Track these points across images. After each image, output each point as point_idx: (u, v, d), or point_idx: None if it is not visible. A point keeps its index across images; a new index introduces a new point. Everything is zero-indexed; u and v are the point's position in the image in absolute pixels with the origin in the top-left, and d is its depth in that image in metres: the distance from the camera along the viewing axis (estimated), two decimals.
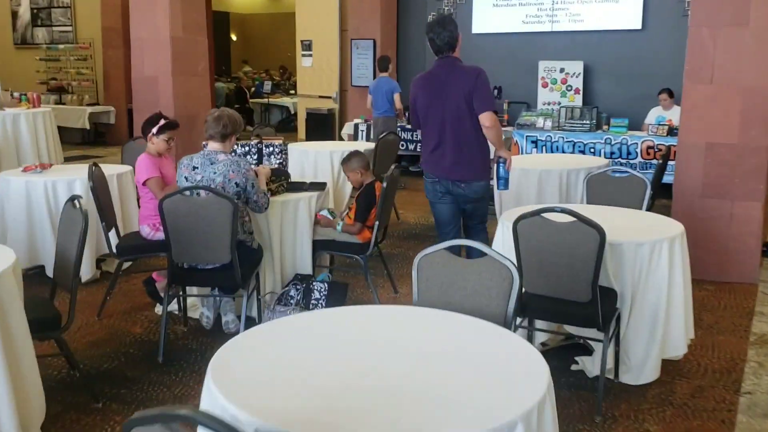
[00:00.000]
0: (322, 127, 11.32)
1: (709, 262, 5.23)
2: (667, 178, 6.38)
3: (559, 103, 9.82)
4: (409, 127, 9.86)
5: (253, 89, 17.20)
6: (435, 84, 4.17)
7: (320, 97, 11.70)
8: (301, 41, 11.91)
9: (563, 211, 3.10)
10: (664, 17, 9.36)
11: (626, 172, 4.56)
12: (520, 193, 5.69)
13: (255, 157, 4.52)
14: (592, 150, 8.81)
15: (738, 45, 4.99)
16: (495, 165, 4.32)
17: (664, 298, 3.43)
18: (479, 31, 10.61)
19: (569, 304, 3.21)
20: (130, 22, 7.39)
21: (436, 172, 4.18)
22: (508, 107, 9.85)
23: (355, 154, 4.54)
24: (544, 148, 9.07)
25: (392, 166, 4.57)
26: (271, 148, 4.51)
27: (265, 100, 16.32)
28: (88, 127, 12.90)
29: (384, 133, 7.44)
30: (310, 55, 11.84)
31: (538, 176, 5.61)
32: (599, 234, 3.04)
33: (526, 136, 9.15)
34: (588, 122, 9.05)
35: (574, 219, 3.07)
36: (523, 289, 3.32)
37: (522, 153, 9.16)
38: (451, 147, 4.08)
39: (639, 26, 9.53)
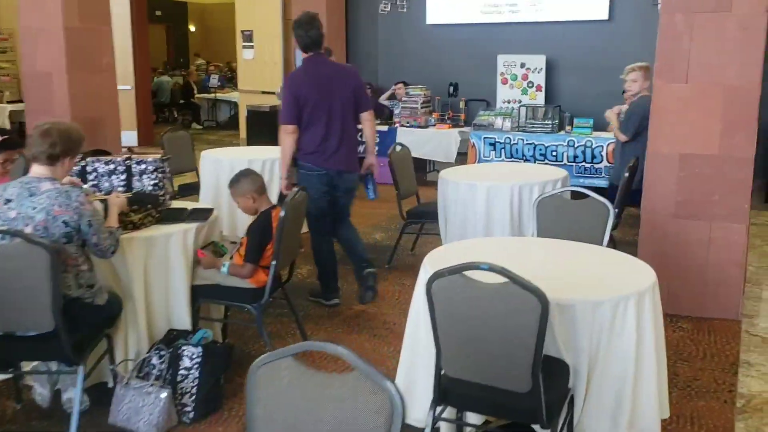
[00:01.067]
0: (265, 126, 10.35)
1: (684, 294, 4.42)
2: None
3: (520, 101, 8.98)
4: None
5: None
6: (321, 80, 4.31)
7: (263, 92, 10.73)
8: (242, 32, 10.92)
9: (492, 269, 2.22)
10: (632, 7, 8.56)
11: (585, 194, 3.71)
12: (466, 215, 4.82)
13: (123, 177, 3.58)
14: (554, 154, 7.99)
15: (719, 35, 4.17)
16: (367, 173, 4.70)
17: (630, 372, 2.58)
18: (434, 21, 9.72)
19: (503, 394, 2.34)
20: (20, 8, 6.37)
21: (325, 165, 4.34)
22: (465, 106, 8.98)
23: (245, 174, 3.61)
24: (503, 151, 8.23)
25: (294, 190, 3.64)
26: (144, 166, 3.57)
27: (213, 96, 15.27)
28: (8, 126, 11.76)
29: None
30: (252, 47, 10.86)
31: (486, 193, 4.74)
32: (540, 302, 2.18)
33: (484, 137, 8.30)
34: (550, 123, 8.23)
35: (507, 280, 2.21)
36: (442, 371, 2.46)
37: (479, 156, 8.31)
38: (338, 140, 4.31)
39: (605, 16, 8.72)
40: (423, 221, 5.46)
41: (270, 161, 5.76)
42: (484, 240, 3.51)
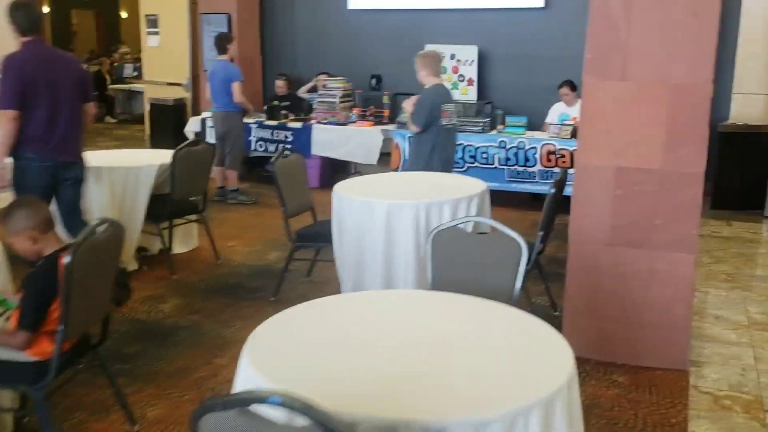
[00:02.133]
0: (170, 121, 9.28)
1: (620, 339, 3.63)
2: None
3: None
4: (270, 123, 7.99)
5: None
6: (48, 64, 4.07)
7: (169, 84, 9.65)
8: (146, 16, 9.79)
9: (286, 404, 1.32)
10: None
11: (491, 227, 2.86)
12: (363, 240, 3.93)
13: None
14: (484, 156, 7.17)
15: (664, 23, 3.36)
16: None
17: None
18: (357, 6, 8.80)
19: None
20: None
21: (51, 156, 4.07)
22: (390, 100, 8.07)
23: (20, 205, 2.62)
24: None
25: (82, 233, 2.59)
26: None
27: (128, 87, 14.02)
28: None
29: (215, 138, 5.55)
30: (157, 33, 9.74)
31: (386, 214, 3.85)
32: None
33: (408, 137, 7.43)
34: (480, 121, 7.40)
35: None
36: None
37: (404, 158, 7.43)
38: (65, 128, 4.10)
39: (542, 3, 7.94)
40: (317, 245, 4.55)
41: (136, 171, 4.79)
42: (336, 299, 2.49)
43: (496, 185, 7.15)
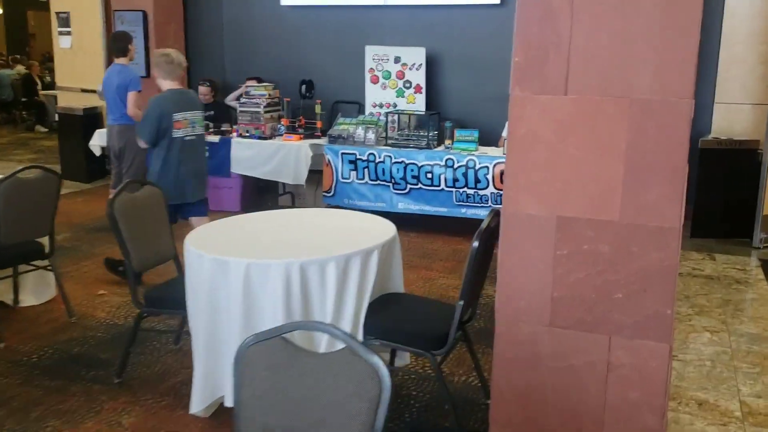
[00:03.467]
0: (80, 134, 8.14)
1: None
2: None
3: (395, 105, 7.10)
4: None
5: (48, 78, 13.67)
6: None
7: (83, 91, 8.51)
8: (57, 14, 8.65)
9: None
10: None
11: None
12: (217, 310, 2.86)
13: None
14: (429, 176, 6.13)
15: (624, 13, 2.31)
16: None
17: None
18: (290, 2, 7.73)
19: None
20: None
21: None
22: (323, 110, 7.00)
23: None
24: (366, 171, 6.32)
25: None
26: None
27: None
28: None
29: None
30: (69, 33, 8.60)
31: (244, 277, 2.78)
32: None
33: (342, 153, 6.38)
34: (426, 135, 6.37)
35: None
36: None
37: (336, 177, 6.38)
38: None
39: (497, 0, 6.93)
40: (172, 312, 3.44)
41: None
42: None
43: (443, 210, 6.13)
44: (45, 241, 4.03)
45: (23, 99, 13.24)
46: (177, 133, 4.45)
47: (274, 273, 2.77)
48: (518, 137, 2.48)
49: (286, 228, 3.42)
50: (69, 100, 8.68)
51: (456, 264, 5.35)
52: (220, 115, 7.39)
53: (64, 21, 8.56)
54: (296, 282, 2.77)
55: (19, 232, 3.81)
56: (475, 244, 2.79)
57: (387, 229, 3.24)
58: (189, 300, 3.01)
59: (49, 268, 4.11)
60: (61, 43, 8.65)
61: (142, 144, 4.55)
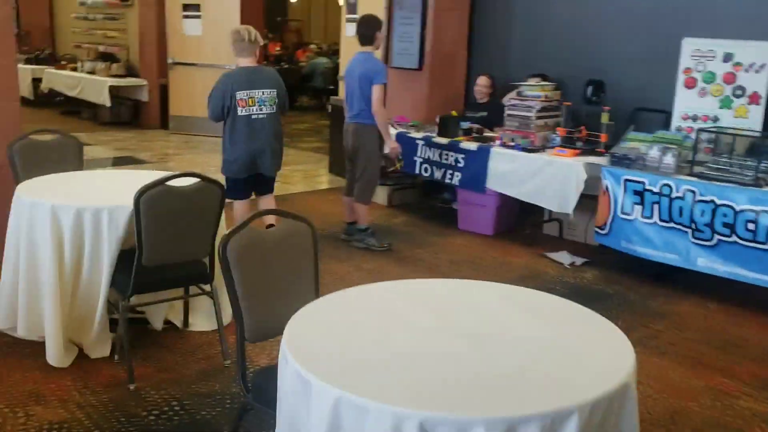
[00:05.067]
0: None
1: None
2: None
3: (715, 120, 5.22)
4: (440, 141, 5.87)
5: None
6: None
7: None
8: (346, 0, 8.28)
9: None
10: None
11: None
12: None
13: None
14: (751, 226, 4.26)
15: None
16: None
17: None
18: None
19: None
20: None
21: None
22: (611, 120, 5.39)
23: None
24: (655, 208, 4.66)
25: None
26: None
27: None
28: (108, 104, 10.47)
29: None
30: (355, 21, 8.16)
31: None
32: None
33: (625, 180, 4.81)
34: (755, 166, 4.46)
35: None
36: None
37: (614, 211, 4.85)
38: None
39: None
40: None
41: (96, 213, 3.14)
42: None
43: (766, 279, 4.22)
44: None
45: (331, 87, 13.59)
46: (242, 112, 4.42)
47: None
48: None
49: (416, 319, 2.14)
50: None
51: None
52: (495, 117, 6.25)
53: (352, 7, 8.13)
54: None
55: (167, 253, 3.12)
56: None
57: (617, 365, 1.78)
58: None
59: (209, 294, 3.39)
60: (348, 30, 8.26)
61: (210, 119, 4.60)
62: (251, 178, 4.62)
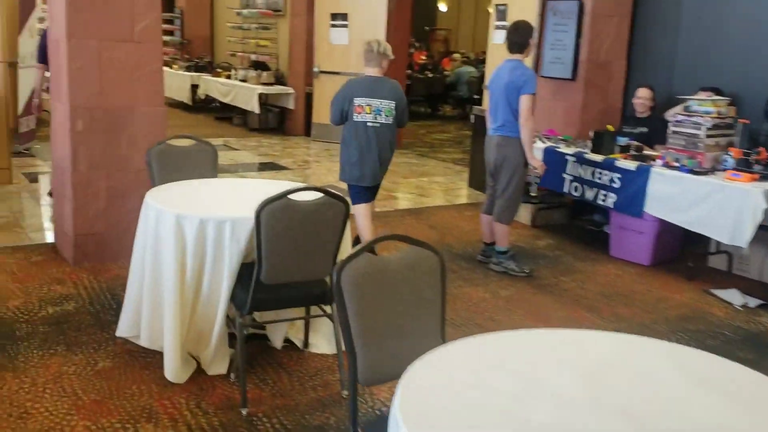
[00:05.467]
0: None
1: None
2: None
3: None
4: (594, 158, 5.35)
5: None
6: None
7: None
8: (496, 6, 7.89)
9: None
10: None
11: None
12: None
13: None
14: None
15: None
16: None
17: None
18: None
19: None
20: None
21: None
22: None
23: None
24: None
25: None
26: None
27: None
28: (257, 111, 10.74)
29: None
30: (504, 28, 7.77)
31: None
32: None
33: None
34: None
35: None
36: None
37: None
38: None
39: None
40: None
41: (218, 224, 2.99)
42: None
43: None
44: None
45: (476, 96, 13.23)
46: (357, 118, 4.49)
47: None
48: None
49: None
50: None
51: None
52: (656, 134, 5.65)
53: (501, 14, 7.74)
54: None
55: (287, 271, 2.91)
56: None
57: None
58: None
59: (330, 316, 3.15)
60: (495, 38, 7.88)
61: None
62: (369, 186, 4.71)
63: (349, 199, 3.02)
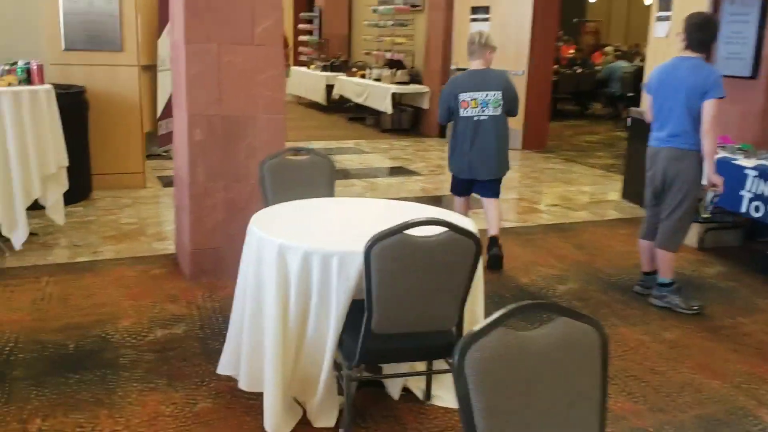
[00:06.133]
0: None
1: None
2: None
3: None
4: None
5: None
6: None
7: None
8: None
9: None
10: None
11: None
12: None
13: None
14: None
15: None
16: None
17: None
18: None
19: None
20: None
21: None
22: None
23: None
24: None
25: None
26: None
27: None
28: (390, 111, 10.37)
29: None
30: (668, 18, 6.84)
31: None
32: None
33: None
34: None
35: None
36: None
37: None
38: None
39: None
40: None
41: (339, 257, 2.56)
42: None
43: None
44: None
45: (629, 94, 12.11)
46: (464, 113, 4.49)
47: None
48: None
49: None
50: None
51: None
52: None
53: (666, 3, 6.81)
54: None
55: (402, 320, 2.41)
56: None
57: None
58: None
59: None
60: (657, 31, 6.95)
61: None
62: (469, 181, 4.72)
63: (478, 235, 2.46)
